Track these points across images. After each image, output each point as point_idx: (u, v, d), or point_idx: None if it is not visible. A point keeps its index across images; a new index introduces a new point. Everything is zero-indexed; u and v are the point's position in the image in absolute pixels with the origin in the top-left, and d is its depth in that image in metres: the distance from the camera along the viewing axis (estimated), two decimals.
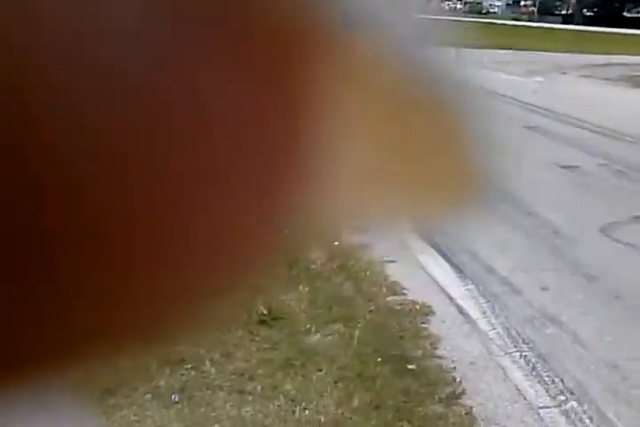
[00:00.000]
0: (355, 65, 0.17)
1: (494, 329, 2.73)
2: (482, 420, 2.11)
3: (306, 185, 0.17)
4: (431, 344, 2.62)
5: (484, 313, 2.87)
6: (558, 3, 74.00)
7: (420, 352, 2.55)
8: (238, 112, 0.15)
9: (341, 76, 0.16)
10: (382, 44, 0.17)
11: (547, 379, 2.37)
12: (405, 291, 3.09)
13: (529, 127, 7.24)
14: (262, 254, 0.17)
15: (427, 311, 2.88)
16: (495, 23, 43.39)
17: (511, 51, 19.26)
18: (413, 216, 0.22)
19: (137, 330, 0.16)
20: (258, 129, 0.15)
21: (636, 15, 69.57)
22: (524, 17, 68.28)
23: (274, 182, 0.16)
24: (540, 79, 12.46)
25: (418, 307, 2.91)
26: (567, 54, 19.37)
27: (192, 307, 0.17)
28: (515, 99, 9.39)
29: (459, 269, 3.34)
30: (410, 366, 2.41)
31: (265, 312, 2.80)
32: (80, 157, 0.13)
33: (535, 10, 73.54)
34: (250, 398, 2.25)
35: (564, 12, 72.96)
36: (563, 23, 58.59)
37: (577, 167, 5.42)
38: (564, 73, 14.00)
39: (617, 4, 69.51)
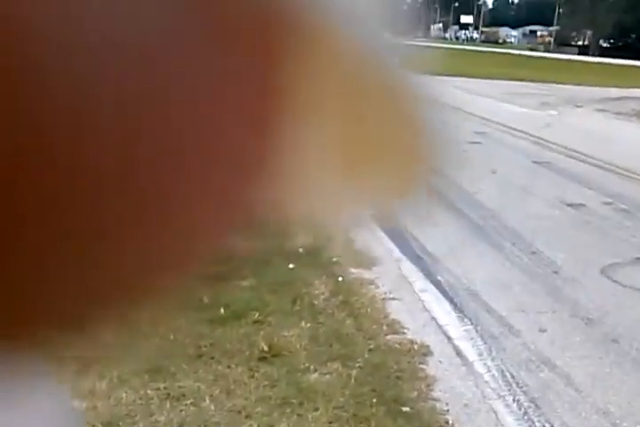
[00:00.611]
0: (323, 56, 0.17)
1: (489, 372, 2.78)
2: None
3: (276, 175, 0.18)
4: (427, 386, 2.67)
5: (481, 355, 2.92)
6: (575, 33, 74.61)
7: (415, 393, 2.61)
8: (221, 96, 0.16)
9: (311, 65, 0.17)
10: (347, 35, 0.18)
11: (537, 424, 2.41)
12: (405, 330, 3.15)
13: (538, 162, 7.31)
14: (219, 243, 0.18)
15: (425, 351, 2.94)
16: (511, 53, 43.75)
17: (526, 82, 19.39)
18: (374, 201, 0.22)
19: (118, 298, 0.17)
20: (237, 113, 0.16)
21: None
22: (541, 47, 68.83)
23: (248, 172, 0.17)
24: (554, 112, 12.53)
25: (416, 347, 2.97)
26: (582, 87, 19.44)
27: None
28: (527, 133, 9.48)
29: (459, 309, 3.40)
30: (404, 409, 2.46)
31: (266, 349, 2.87)
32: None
33: (552, 40, 74.16)
34: None
35: (580, 42, 73.51)
36: (579, 54, 58.95)
37: (582, 205, 5.48)
38: (579, 106, 14.07)
39: (633, 36, 69.90)
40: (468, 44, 57.71)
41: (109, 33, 0.14)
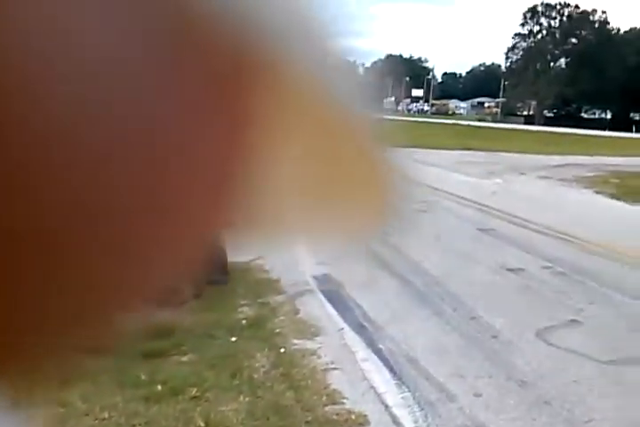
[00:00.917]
0: (288, 92, 0.19)
1: None
2: None
3: (244, 199, 0.19)
4: None
5: (417, 422, 2.94)
6: (520, 104, 78.31)
7: None
8: (191, 129, 0.17)
9: (277, 100, 0.18)
10: (312, 76, 0.19)
11: None
12: (344, 400, 3.16)
13: (482, 229, 7.54)
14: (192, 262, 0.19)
15: (362, 421, 2.95)
16: (460, 124, 45.54)
17: (474, 151, 20.05)
18: (341, 228, 0.23)
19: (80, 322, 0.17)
20: (206, 146, 0.17)
21: (592, 116, 73.76)
22: (489, 118, 71.88)
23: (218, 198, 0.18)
24: (499, 180, 12.97)
25: (354, 417, 2.98)
26: (528, 155, 20.19)
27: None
28: (472, 200, 9.78)
29: (398, 376, 3.43)
30: None
31: (202, 425, 2.85)
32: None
33: (498, 111, 77.66)
34: None
35: (525, 113, 77.11)
36: (525, 123, 61.69)
37: (522, 270, 5.65)
38: (523, 174, 14.61)
39: (575, 106, 73.75)
40: (419, 116, 59.89)
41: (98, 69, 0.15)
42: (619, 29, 71.92)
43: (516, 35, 74.88)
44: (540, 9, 73.34)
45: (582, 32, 71.05)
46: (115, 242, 0.16)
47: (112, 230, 0.16)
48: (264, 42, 0.17)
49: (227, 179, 0.18)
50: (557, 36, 72.16)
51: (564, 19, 72.21)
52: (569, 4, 72.82)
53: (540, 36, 73.40)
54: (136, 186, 0.16)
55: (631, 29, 71.14)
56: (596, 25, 70.82)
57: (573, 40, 71.87)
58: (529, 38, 73.98)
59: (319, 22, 0.19)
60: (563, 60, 72.70)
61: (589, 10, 71.96)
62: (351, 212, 0.22)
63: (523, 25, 74.13)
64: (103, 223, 0.16)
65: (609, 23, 71.40)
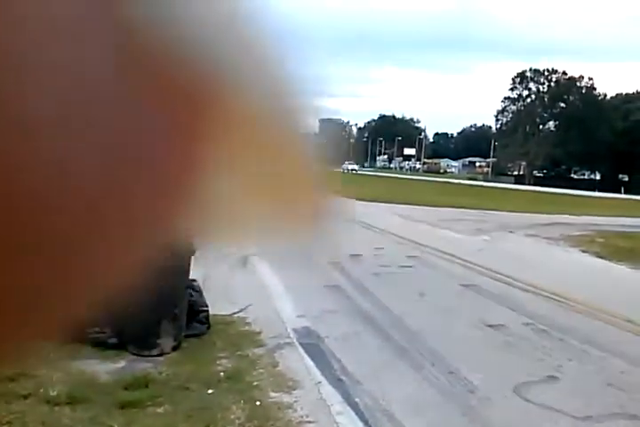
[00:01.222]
0: (236, 117, 0.20)
1: None
2: None
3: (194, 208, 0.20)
4: None
5: None
6: (511, 164, 79.69)
7: None
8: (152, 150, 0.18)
9: (227, 124, 0.20)
10: (259, 102, 0.21)
11: None
12: None
13: (466, 286, 7.58)
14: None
15: None
16: (451, 182, 46.21)
17: (464, 209, 20.24)
18: (281, 233, 0.24)
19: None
20: (164, 162, 0.18)
21: (582, 177, 74.99)
22: (480, 177, 73.00)
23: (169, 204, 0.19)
24: (487, 238, 13.07)
25: None
26: (516, 213, 20.35)
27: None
28: (458, 257, 9.85)
29: None
30: None
31: None
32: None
33: (490, 170, 78.93)
34: None
35: (515, 172, 78.37)
36: (515, 183, 62.64)
37: (503, 326, 5.67)
38: (511, 232, 14.72)
39: (564, 167, 75.05)
40: (411, 174, 60.79)
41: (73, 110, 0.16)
42: (605, 95, 74.04)
43: (505, 98, 76.93)
44: (528, 74, 75.70)
45: (570, 97, 73.05)
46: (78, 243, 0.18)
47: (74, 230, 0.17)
48: (218, 74, 0.19)
49: (179, 185, 0.20)
50: (546, 100, 74.14)
51: (552, 84, 74.40)
52: (556, 71, 75.27)
53: (529, 100, 75.41)
54: (96, 193, 0.17)
55: (617, 95, 73.26)
56: (583, 90, 72.92)
57: (561, 104, 73.80)
58: (518, 102, 75.96)
59: (275, 58, 0.21)
60: (551, 123, 74.44)
61: (576, 76, 74.35)
62: (291, 219, 0.24)
63: (512, 89, 76.32)
64: (69, 220, 0.17)
65: (595, 89, 73.56)
